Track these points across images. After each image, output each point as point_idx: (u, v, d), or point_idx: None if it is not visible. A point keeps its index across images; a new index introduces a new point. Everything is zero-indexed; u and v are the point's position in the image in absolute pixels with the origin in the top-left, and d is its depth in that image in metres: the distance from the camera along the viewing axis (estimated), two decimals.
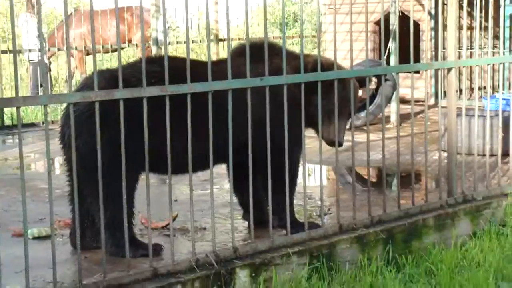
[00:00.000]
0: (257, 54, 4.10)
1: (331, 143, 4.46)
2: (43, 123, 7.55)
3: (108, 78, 3.86)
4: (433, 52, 10.69)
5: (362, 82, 4.61)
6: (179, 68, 3.85)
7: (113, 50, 12.21)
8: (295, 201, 4.58)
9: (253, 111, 4.08)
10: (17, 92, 3.34)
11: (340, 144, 4.45)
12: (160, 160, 3.82)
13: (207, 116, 3.89)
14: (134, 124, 3.78)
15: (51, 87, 12.14)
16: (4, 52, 10.34)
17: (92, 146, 3.62)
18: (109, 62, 14.00)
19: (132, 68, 4.00)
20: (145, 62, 3.71)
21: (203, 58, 14.50)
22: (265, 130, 4.13)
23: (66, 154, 4.01)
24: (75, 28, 12.38)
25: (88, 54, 12.47)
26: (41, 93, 11.39)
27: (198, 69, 3.94)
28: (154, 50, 8.84)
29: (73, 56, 12.29)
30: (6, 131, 9.43)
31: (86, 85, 3.90)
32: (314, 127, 4.47)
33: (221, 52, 12.52)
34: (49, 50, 11.60)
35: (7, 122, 9.81)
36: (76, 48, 11.87)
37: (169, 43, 12.78)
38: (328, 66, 4.37)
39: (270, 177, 4.13)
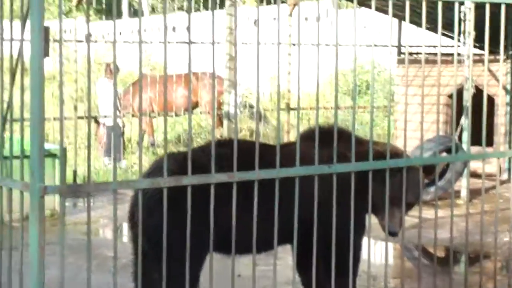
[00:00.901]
0: (326, 140, 4.15)
1: (389, 233, 4.49)
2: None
3: (179, 161, 3.98)
4: (508, 128, 10.50)
5: (431, 167, 4.59)
6: (249, 152, 3.95)
7: (177, 115, 12.53)
8: (359, 282, 4.53)
9: (319, 195, 4.13)
10: (89, 177, 3.49)
11: (394, 234, 4.47)
12: (225, 241, 3.93)
13: (273, 199, 3.95)
14: (202, 206, 3.87)
15: (124, 149, 12.47)
16: (80, 117, 10.68)
17: (160, 228, 3.72)
18: (181, 124, 14.30)
19: (203, 152, 4.12)
20: (215, 145, 3.80)
21: (273, 123, 14.80)
22: (329, 214, 4.16)
23: (134, 232, 4.13)
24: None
25: (153, 117, 12.80)
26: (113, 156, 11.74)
27: (267, 153, 4.01)
28: (225, 124, 8.98)
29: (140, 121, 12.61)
30: (75, 193, 9.67)
31: (158, 168, 4.02)
32: (374, 212, 4.47)
33: (292, 119, 12.67)
34: (123, 115, 11.97)
35: (79, 182, 10.09)
36: (147, 114, 12.21)
37: (240, 112, 13.01)
38: (396, 153, 4.40)
39: (334, 261, 4.16)
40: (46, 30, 3.29)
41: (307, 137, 4.34)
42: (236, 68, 4.23)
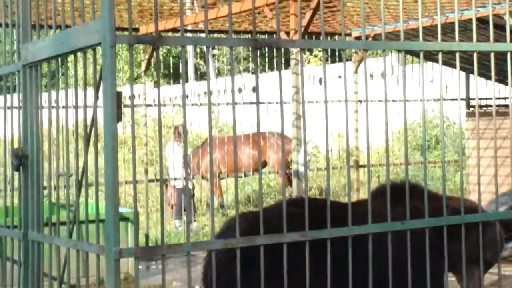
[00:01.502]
0: (397, 196, 4.09)
1: None
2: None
3: (251, 222, 4.00)
4: None
5: (508, 222, 4.46)
6: (320, 210, 3.93)
7: (246, 175, 12.53)
8: None
9: (392, 254, 4.06)
10: (162, 239, 3.53)
11: None
12: None
13: (346, 256, 3.90)
14: (274, 265, 3.86)
15: (195, 211, 12.56)
16: (151, 181, 10.87)
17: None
18: (249, 185, 14.36)
19: (274, 211, 4.12)
20: (286, 204, 3.79)
21: (342, 181, 14.73)
22: (403, 273, 4.07)
23: None
24: (206, 154, 12.87)
25: (222, 178, 12.86)
26: (184, 218, 11.86)
27: (339, 212, 3.98)
28: (294, 182, 8.99)
29: (207, 182, 12.82)
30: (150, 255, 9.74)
31: (229, 229, 4.04)
32: (451, 271, 4.36)
33: (361, 177, 12.56)
34: (193, 177, 12.09)
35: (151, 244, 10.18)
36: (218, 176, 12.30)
37: (310, 170, 12.98)
38: (471, 208, 4.29)
39: None
40: (118, 95, 3.37)
41: (378, 194, 4.31)
42: (304, 127, 4.23)
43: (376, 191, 4.46)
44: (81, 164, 3.94)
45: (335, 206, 4.06)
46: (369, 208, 3.95)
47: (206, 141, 13.43)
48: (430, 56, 10.17)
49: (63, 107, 3.99)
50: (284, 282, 3.73)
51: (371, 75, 17.98)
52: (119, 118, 3.32)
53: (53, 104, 4.09)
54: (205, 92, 26.06)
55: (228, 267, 3.85)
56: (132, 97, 3.51)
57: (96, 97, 3.79)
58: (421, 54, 4.27)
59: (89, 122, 3.88)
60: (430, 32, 9.46)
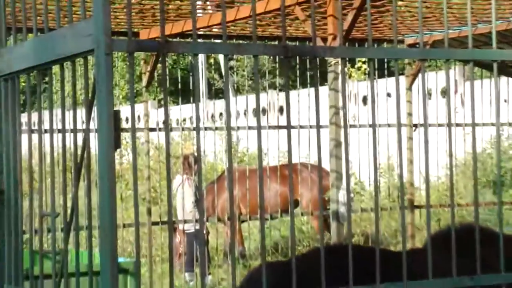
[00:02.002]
0: (464, 244, 4.07)
1: None
2: None
3: (279, 274, 4.01)
4: None
5: None
6: (366, 261, 3.91)
7: (273, 218, 12.46)
8: None
9: None
10: None
11: None
12: None
13: None
14: None
15: (209, 261, 12.56)
16: (155, 223, 10.84)
17: None
18: (276, 230, 14.34)
19: (308, 262, 4.11)
20: (323, 252, 3.78)
21: (393, 225, 14.64)
22: None
23: None
24: (225, 192, 12.85)
25: (242, 221, 12.84)
26: (197, 270, 11.87)
27: (389, 263, 3.96)
28: (333, 226, 8.98)
29: (224, 225, 12.83)
30: None
31: (252, 282, 4.03)
32: None
33: (417, 220, 12.49)
34: (207, 220, 12.06)
35: None
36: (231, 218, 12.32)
37: (353, 212, 12.97)
38: None
39: None
40: (116, 115, 3.34)
41: (439, 241, 4.29)
42: (346, 157, 4.21)
43: (436, 237, 4.44)
44: (69, 203, 3.95)
45: (385, 256, 4.05)
46: (429, 259, 3.93)
47: (224, 175, 13.42)
48: (506, 69, 10.13)
49: (47, 130, 4.00)
50: None
51: (429, 93, 17.96)
52: (117, 144, 3.30)
53: (34, 127, 4.10)
54: (221, 113, 26.20)
55: None
56: (132, 118, 3.50)
57: (88, 118, 3.79)
58: (494, 66, 4.25)
59: (79, 149, 3.86)
60: (505, 38, 9.44)
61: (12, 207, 4.13)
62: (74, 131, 3.82)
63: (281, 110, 23.63)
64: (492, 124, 4.30)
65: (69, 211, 3.93)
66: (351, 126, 11.69)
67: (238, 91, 30.73)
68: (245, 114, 23.43)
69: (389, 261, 4.02)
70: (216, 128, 11.92)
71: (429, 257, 3.97)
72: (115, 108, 3.32)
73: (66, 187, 3.83)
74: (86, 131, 3.80)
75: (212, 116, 19.84)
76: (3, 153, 4.23)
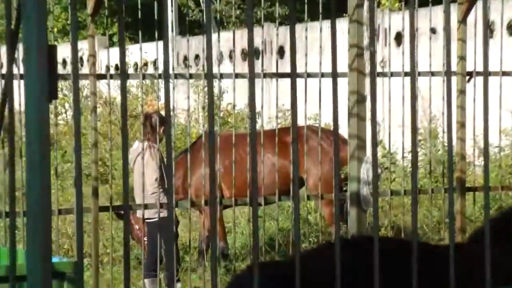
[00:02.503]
0: None
1: None
2: None
3: (277, 280, 4.10)
4: None
5: None
6: (399, 258, 3.97)
7: (269, 202, 12.49)
8: None
9: None
10: None
11: None
12: None
13: None
14: None
15: (179, 263, 12.59)
16: (103, 209, 10.76)
17: None
18: (272, 219, 14.42)
19: (315, 262, 4.15)
20: (340, 250, 3.82)
21: (435, 214, 14.69)
22: None
23: None
24: (200, 166, 12.88)
25: (225, 207, 12.87)
26: (161, 276, 11.90)
27: (431, 261, 4.01)
28: (352, 214, 9.03)
29: (200, 213, 12.86)
30: None
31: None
32: None
33: (469, 208, 12.52)
34: (176, 205, 12.04)
35: None
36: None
37: (379, 193, 12.99)
38: None
39: None
40: (52, 52, 3.34)
41: (500, 232, 4.36)
42: (374, 116, 4.19)
43: (495, 225, 4.48)
44: None
45: (425, 252, 4.14)
46: (487, 256, 3.97)
47: (200, 142, 13.39)
48: None
49: None
50: None
51: (491, 29, 17.94)
52: (52, 93, 3.30)
53: None
54: (197, 56, 26.08)
55: None
56: (73, 60, 3.50)
57: (11, 56, 3.79)
58: None
59: None
60: None
61: None
62: None
63: (281, 51, 23.61)
64: None
65: None
66: (379, 74, 11.65)
67: (221, 24, 30.69)
68: (230, 57, 23.42)
69: (429, 258, 4.08)
70: (191, 76, 11.88)
71: (487, 252, 3.98)
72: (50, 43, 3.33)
73: None
74: (8, 76, 3.80)
75: (185, 59, 19.79)
76: None
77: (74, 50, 3.50)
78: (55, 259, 8.72)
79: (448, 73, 4.10)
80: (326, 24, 16.74)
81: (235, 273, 10.81)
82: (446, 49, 4.11)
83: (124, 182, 3.53)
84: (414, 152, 3.99)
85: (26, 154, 3.30)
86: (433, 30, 15.33)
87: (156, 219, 11.96)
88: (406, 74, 10.98)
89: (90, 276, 10.74)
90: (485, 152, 4.20)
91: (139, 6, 11.47)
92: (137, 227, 12.55)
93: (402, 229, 12.34)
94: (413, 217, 4.08)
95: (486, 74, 4.06)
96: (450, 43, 4.09)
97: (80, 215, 3.49)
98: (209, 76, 3.79)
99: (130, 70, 26.09)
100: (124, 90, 3.58)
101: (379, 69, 12.97)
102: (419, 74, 11.28)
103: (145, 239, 12.38)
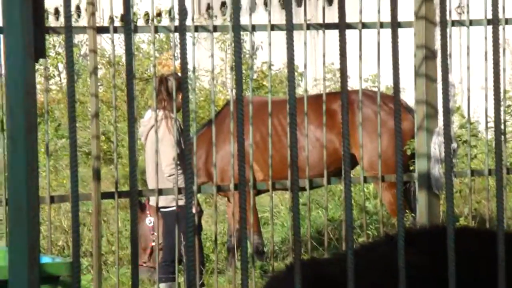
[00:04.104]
0: None
1: None
2: None
3: (323, 280, 4.19)
4: None
5: None
6: (470, 254, 4.13)
7: (316, 186, 12.61)
8: None
9: None
10: None
11: None
12: None
13: None
14: None
15: (202, 263, 12.68)
16: (107, 195, 10.84)
17: None
18: (319, 207, 14.45)
19: (374, 258, 4.25)
20: (406, 245, 3.88)
21: None
22: None
23: None
24: (228, 142, 12.96)
25: (259, 192, 12.93)
26: (180, 280, 11.96)
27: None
28: (422, 199, 9.09)
29: (228, 200, 13.01)
30: None
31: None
32: None
33: None
34: (199, 190, 12.12)
35: None
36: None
37: (455, 174, 12.98)
38: None
39: None
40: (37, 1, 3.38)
41: None
42: (445, 74, 4.19)
43: None
44: None
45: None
46: None
47: (227, 110, 13.41)
48: None
49: None
50: None
51: None
52: (39, 50, 3.35)
53: None
54: (223, 3, 26.11)
55: None
56: (67, 12, 3.53)
57: None
58: None
59: None
60: None
61: None
62: None
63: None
64: None
65: None
66: (454, 22, 11.62)
67: None
68: (266, 4, 23.46)
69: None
70: (215, 29, 11.89)
71: None
72: None
73: None
74: None
75: (208, 7, 19.84)
76: None
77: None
78: (45, 259, 8.71)
79: None
80: None
81: (272, 274, 10.87)
82: None
83: (131, 160, 3.56)
84: (498, 121, 3.99)
85: (7, 128, 3.33)
86: None
87: (174, 207, 11.99)
88: (489, 22, 10.93)
89: (91, 281, 10.77)
90: None
91: None
92: (148, 218, 12.62)
93: (487, 219, 12.31)
94: (498, 203, 4.09)
95: None
96: None
97: (75, 203, 3.51)
98: (237, 28, 3.80)
99: (140, 22, 26.10)
100: (130, 46, 3.60)
101: (454, 17, 12.91)
102: (506, 21, 11.25)
103: (155, 233, 12.45)
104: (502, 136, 8.41)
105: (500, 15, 9.56)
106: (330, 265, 4.36)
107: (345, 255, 4.35)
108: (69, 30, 3.55)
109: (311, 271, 4.32)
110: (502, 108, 4.75)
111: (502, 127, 9.88)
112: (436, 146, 9.53)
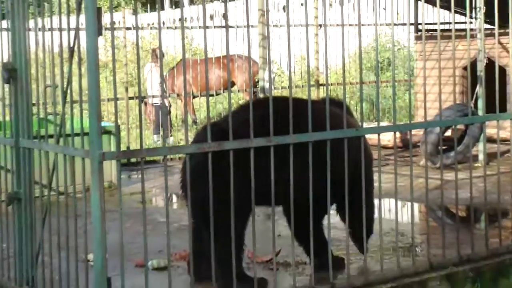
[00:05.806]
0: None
1: None
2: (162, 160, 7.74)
3: (216, 132, 3.89)
4: None
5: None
6: (284, 108, 3.93)
7: (217, 94, 12.55)
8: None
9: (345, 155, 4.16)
10: (141, 145, 3.55)
11: None
12: (266, 197, 3.93)
13: (307, 158, 3.99)
14: (243, 168, 3.85)
15: (171, 127, 12.51)
16: (131, 98, 10.78)
17: (207, 190, 3.74)
18: (220, 103, 14.29)
19: (238, 118, 3.95)
20: (254, 106, 3.81)
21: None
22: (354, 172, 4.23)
23: (187, 197, 4.01)
24: (180, 75, 12.80)
25: (194, 97, 12.69)
26: (161, 133, 11.78)
27: (303, 109, 4.00)
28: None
29: (181, 101, 12.75)
30: (131, 167, 9.65)
31: (202, 136, 3.99)
32: None
33: (321, 94, 12.55)
34: (169, 95, 12.03)
35: (132, 159, 10.10)
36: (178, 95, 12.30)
37: (274, 88, 12.92)
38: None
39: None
40: (99, 10, 3.32)
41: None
42: (269, 47, 4.16)
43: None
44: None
45: (299, 103, 4.08)
46: (328, 118, 4.04)
47: (180, 63, 13.21)
48: None
49: (49, 29, 3.89)
50: (252, 184, 3.82)
51: (330, 4, 17.80)
52: (99, 32, 3.28)
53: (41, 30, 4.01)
54: (179, 19, 25.41)
55: (203, 171, 3.77)
56: (112, 23, 3.52)
57: (78, 19, 3.69)
58: None
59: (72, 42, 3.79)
60: None
61: (24, 82, 4.08)
62: (68, 30, 3.76)
63: (224, 16, 22.96)
64: (374, 25, 4.27)
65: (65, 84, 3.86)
66: (273, 26, 11.42)
67: (192, 2, 29.87)
68: (197, 19, 22.80)
69: (302, 107, 3.99)
70: (176, 28, 11.72)
71: (328, 116, 4.03)
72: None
73: (63, 67, 3.79)
74: (77, 30, 3.71)
75: (173, 21, 19.34)
76: (16, 45, 4.10)
77: (111, 17, 3.43)
78: (105, 123, 7.96)
79: (306, 25, 4.05)
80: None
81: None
82: (305, 14, 4.06)
83: (139, 84, 3.50)
84: (290, 67, 3.94)
85: (87, 62, 3.32)
86: (302, 4, 14.44)
87: (159, 103, 11.93)
88: None
89: (125, 134, 10.48)
90: (326, 65, 4.19)
91: None
92: (148, 109, 12.45)
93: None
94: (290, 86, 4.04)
95: (325, 25, 4.01)
96: (307, 11, 4.01)
97: (115, 101, 3.45)
98: (182, 29, 3.71)
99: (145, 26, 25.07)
100: (137, 36, 3.54)
101: (273, 24, 12.68)
102: (294, 25, 11.10)
103: (151, 115, 12.24)
104: None
105: None
106: (223, 122, 4.09)
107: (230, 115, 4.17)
108: (112, 30, 3.44)
109: (216, 126, 4.12)
110: None
111: None
112: (267, 75, 9.39)
